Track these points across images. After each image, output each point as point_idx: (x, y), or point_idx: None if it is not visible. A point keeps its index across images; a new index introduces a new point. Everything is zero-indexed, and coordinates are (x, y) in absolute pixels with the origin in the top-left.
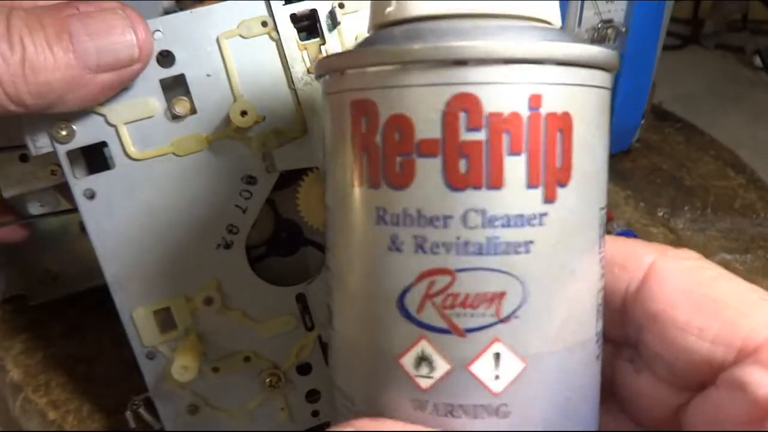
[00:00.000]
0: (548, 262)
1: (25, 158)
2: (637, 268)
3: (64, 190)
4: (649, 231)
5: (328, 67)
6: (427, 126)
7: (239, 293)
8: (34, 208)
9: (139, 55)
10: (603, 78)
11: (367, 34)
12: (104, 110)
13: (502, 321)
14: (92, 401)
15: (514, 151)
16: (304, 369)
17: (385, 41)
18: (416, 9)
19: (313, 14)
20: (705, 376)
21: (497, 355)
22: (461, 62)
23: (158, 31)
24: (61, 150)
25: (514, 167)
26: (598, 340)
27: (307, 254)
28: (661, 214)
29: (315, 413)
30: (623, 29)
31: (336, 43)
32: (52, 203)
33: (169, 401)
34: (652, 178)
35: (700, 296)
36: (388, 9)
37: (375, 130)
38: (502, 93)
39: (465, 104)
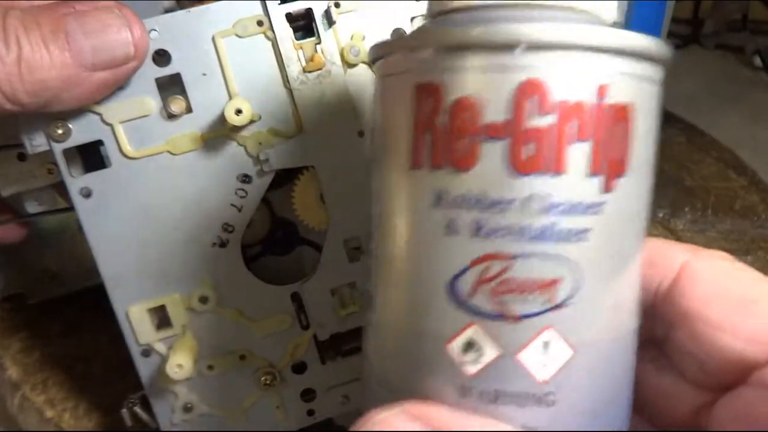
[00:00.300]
0: (603, 251)
1: (22, 157)
2: (668, 267)
3: (62, 189)
4: (649, 232)
5: (390, 49)
6: (496, 109)
7: (234, 292)
8: (32, 207)
9: (135, 53)
10: (660, 73)
11: (367, 32)
12: (100, 109)
13: (555, 308)
14: (89, 400)
15: (579, 139)
16: (299, 368)
17: (449, 25)
18: None
19: (308, 14)
20: (736, 375)
21: (546, 343)
22: (533, 47)
23: (154, 30)
24: (57, 148)
25: (578, 155)
26: (637, 333)
27: (302, 253)
28: (661, 215)
29: (310, 412)
30: None
31: (331, 42)
32: (50, 202)
33: (164, 399)
34: None
35: (735, 295)
36: None
37: (440, 111)
38: (571, 80)
39: (534, 89)
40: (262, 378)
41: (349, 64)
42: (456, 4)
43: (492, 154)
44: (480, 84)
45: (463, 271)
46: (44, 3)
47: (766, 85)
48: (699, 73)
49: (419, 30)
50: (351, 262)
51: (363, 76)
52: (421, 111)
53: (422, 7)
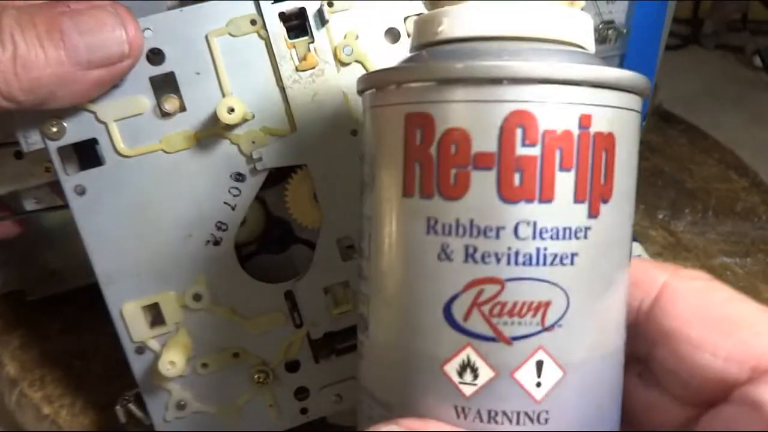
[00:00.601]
0: (590, 274)
1: (20, 155)
2: (650, 287)
3: (58, 187)
4: (649, 234)
5: (379, 81)
6: (484, 140)
7: (228, 290)
8: (30, 205)
9: (129, 51)
10: (638, 103)
11: (360, 31)
12: (95, 107)
13: (546, 329)
14: (86, 397)
15: (565, 167)
16: (292, 366)
17: (438, 58)
18: (468, 29)
19: (301, 13)
20: (717, 393)
21: (540, 363)
22: (520, 81)
23: (148, 29)
24: (52, 146)
25: (564, 182)
26: (623, 350)
27: (295, 252)
28: (661, 216)
29: (303, 410)
30: (624, 30)
31: (324, 41)
32: (49, 200)
33: (158, 397)
34: (654, 180)
35: (714, 315)
36: (439, 28)
37: (430, 142)
38: (556, 112)
39: (522, 120)
40: (256, 376)
41: (342, 63)
42: (445, 36)
43: (482, 183)
44: (469, 115)
45: (458, 295)
46: (40, 2)
47: (766, 85)
48: (699, 73)
49: (408, 62)
50: (344, 260)
51: (356, 75)
52: (412, 141)
53: (415, 7)
